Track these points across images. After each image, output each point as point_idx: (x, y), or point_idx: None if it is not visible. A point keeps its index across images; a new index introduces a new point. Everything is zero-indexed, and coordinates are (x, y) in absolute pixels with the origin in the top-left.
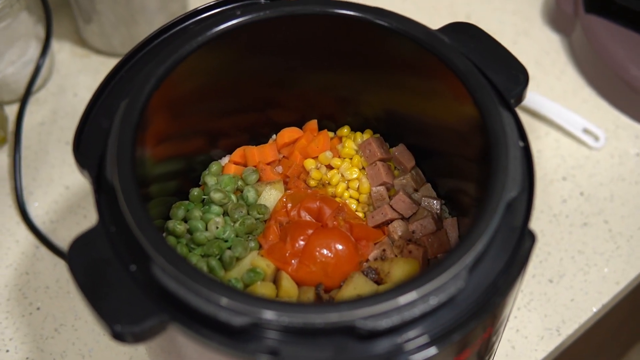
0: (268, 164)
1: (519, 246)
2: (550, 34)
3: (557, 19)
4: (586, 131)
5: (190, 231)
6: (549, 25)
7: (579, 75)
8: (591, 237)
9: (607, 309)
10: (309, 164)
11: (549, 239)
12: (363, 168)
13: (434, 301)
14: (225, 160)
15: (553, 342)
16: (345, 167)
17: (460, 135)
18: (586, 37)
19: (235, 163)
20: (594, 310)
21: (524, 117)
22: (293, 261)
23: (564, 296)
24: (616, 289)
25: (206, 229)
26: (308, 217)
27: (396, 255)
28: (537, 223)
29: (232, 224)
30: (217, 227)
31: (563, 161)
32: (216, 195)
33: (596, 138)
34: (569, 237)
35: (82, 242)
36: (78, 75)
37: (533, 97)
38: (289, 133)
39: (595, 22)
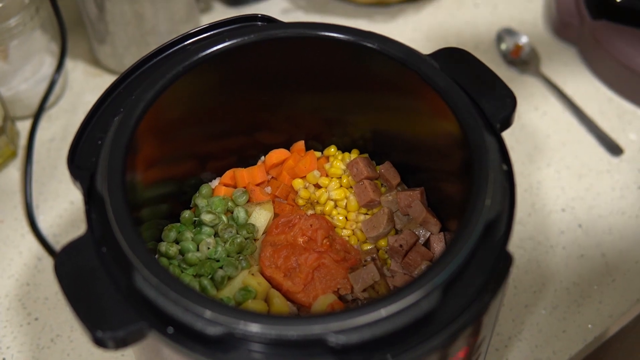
0: (257, 185)
1: (496, 267)
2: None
3: (561, 30)
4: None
5: (182, 252)
6: (554, 37)
7: (596, 81)
8: (587, 270)
9: (600, 342)
10: (297, 183)
11: (544, 270)
12: (351, 187)
13: (405, 318)
14: (215, 182)
15: None
16: (333, 186)
17: (443, 152)
18: (599, 43)
19: (225, 185)
20: (586, 342)
21: (524, 149)
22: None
23: (556, 327)
24: (608, 322)
25: (197, 250)
26: (300, 239)
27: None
28: (533, 254)
29: (222, 244)
30: (209, 248)
31: (563, 193)
32: (207, 217)
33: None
34: (565, 269)
35: (70, 249)
36: (90, 93)
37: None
38: (277, 154)
39: (606, 27)
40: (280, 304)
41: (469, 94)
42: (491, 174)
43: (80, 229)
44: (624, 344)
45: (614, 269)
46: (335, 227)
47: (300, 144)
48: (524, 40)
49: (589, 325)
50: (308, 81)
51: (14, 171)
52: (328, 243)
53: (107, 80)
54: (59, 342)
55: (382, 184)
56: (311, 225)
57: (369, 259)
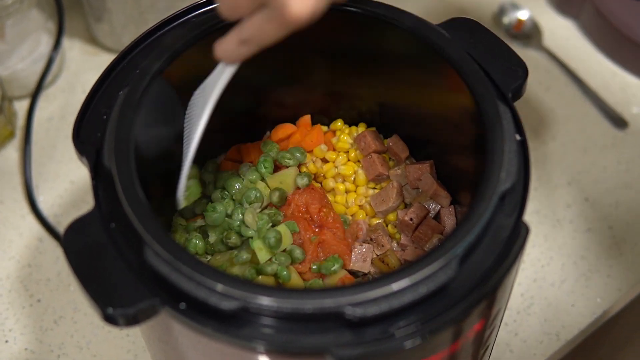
0: None
1: (512, 238)
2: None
3: (562, 4)
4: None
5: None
6: (555, 11)
7: (599, 54)
8: (594, 243)
9: (609, 316)
10: None
11: (552, 243)
12: (359, 161)
13: (423, 289)
14: (220, 158)
15: (552, 347)
16: (340, 160)
17: (453, 124)
18: (602, 17)
19: (232, 160)
20: (595, 316)
21: (528, 123)
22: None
23: (565, 301)
24: (617, 296)
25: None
26: (299, 214)
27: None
28: (540, 227)
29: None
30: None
31: (568, 166)
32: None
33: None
34: (572, 242)
35: (78, 226)
36: (88, 72)
37: None
38: (283, 129)
39: (609, 0)
40: (297, 279)
41: (479, 65)
42: (506, 138)
43: (82, 209)
44: (632, 317)
45: (622, 242)
46: (328, 196)
47: (307, 118)
48: (525, 14)
49: (598, 299)
50: (313, 53)
51: (12, 152)
52: (324, 215)
53: (105, 58)
54: (62, 323)
55: (390, 158)
56: (305, 201)
57: (369, 239)
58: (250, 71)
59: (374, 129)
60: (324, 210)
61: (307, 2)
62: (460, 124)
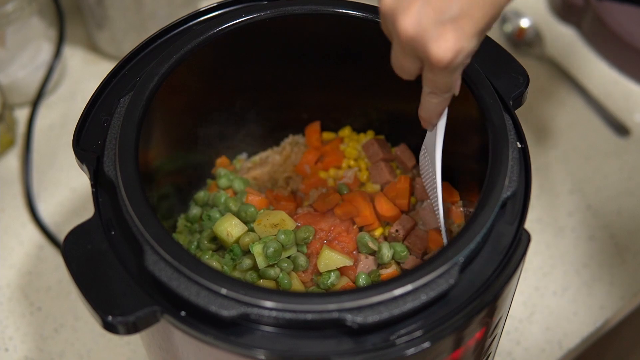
0: None
1: (513, 246)
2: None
3: (564, 12)
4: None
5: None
6: (557, 19)
7: (601, 62)
8: (597, 251)
9: (611, 325)
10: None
11: (554, 251)
12: (367, 169)
13: (423, 297)
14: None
15: (554, 355)
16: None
17: (459, 134)
18: (604, 24)
19: None
20: (597, 324)
21: (530, 131)
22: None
23: (567, 310)
24: (620, 304)
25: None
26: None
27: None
28: (542, 236)
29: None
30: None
31: (570, 174)
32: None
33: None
34: (574, 250)
35: (78, 233)
36: (89, 80)
37: None
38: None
39: (611, 7)
40: (298, 285)
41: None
42: (510, 148)
43: (83, 216)
44: (635, 325)
45: (624, 250)
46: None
47: (316, 124)
48: (527, 22)
49: (600, 308)
50: (326, 60)
51: (12, 160)
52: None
53: (106, 66)
54: (62, 331)
55: (397, 166)
56: (330, 226)
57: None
58: (263, 73)
59: (382, 137)
60: (345, 235)
61: (447, 44)
62: (466, 134)
